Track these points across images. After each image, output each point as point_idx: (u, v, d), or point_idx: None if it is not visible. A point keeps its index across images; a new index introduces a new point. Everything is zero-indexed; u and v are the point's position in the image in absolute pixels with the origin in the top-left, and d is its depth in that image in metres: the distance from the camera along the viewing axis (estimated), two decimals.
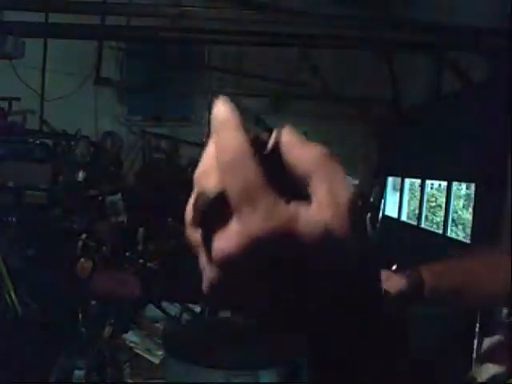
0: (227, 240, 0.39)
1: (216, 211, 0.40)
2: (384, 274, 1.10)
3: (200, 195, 0.40)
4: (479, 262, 1.14)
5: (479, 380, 1.10)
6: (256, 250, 0.38)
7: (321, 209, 0.39)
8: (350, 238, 0.39)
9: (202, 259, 0.41)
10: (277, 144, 0.41)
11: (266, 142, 0.42)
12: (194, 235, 0.41)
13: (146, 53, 6.20)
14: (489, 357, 1.12)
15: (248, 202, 0.38)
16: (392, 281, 1.09)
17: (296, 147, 0.41)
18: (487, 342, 1.15)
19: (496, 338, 1.13)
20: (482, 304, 1.21)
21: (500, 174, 3.25)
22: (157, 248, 3.99)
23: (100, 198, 4.59)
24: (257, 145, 0.41)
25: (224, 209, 0.39)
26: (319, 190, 0.40)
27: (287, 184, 0.41)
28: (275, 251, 0.38)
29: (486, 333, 1.17)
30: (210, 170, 0.41)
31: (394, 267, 1.18)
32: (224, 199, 0.39)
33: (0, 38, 3.96)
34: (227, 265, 0.39)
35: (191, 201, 0.41)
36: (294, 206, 0.39)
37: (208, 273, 0.41)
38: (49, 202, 4.27)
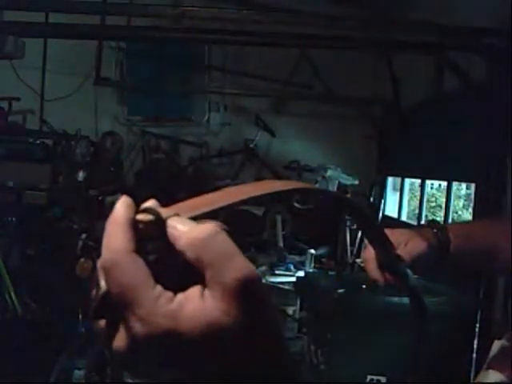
0: (119, 338, 0.39)
1: (110, 306, 0.39)
2: (406, 235, 1.09)
3: (97, 287, 0.40)
4: (505, 226, 1.13)
5: None
6: (142, 349, 0.38)
7: (206, 299, 0.37)
8: (239, 326, 0.37)
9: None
10: (166, 233, 0.40)
11: (160, 230, 0.40)
12: (97, 322, 0.41)
13: (146, 53, 6.20)
14: (493, 363, 1.10)
15: (128, 303, 0.38)
16: (416, 241, 1.08)
17: (183, 232, 0.39)
18: (496, 345, 1.13)
19: (500, 344, 1.11)
20: (505, 268, 1.19)
21: (500, 173, 3.25)
22: None
23: (100, 197, 4.59)
24: (150, 232, 0.40)
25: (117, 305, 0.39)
26: (207, 277, 0.38)
27: (186, 271, 0.39)
28: (160, 348, 0.38)
29: (495, 335, 1.15)
30: None
31: (424, 222, 1.17)
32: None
33: (0, 37, 3.95)
34: (123, 359, 0.40)
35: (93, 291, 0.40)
36: (178, 301, 0.38)
37: None
38: (49, 202, 4.27)
